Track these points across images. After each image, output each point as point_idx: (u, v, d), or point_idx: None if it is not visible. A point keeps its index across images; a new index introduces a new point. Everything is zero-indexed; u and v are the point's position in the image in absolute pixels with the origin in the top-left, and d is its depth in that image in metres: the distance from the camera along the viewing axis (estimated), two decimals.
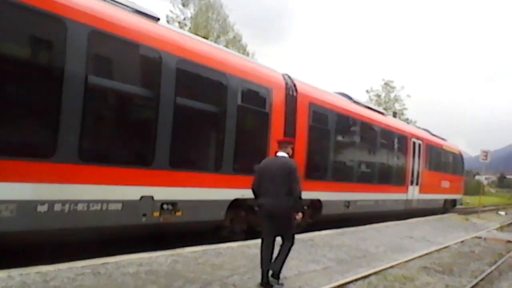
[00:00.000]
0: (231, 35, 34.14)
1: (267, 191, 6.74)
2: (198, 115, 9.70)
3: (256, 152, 11.14)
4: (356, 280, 7.79)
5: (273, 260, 6.68)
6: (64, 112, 6.86)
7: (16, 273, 5.75)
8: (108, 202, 7.47)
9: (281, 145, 7.16)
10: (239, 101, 10.24)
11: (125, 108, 8.51)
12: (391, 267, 9.17)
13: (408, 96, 48.72)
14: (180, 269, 7.15)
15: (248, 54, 32.89)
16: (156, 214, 8.34)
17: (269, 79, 11.45)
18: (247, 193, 10.22)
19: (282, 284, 6.71)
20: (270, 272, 6.64)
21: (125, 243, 7.97)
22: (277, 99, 11.49)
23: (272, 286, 6.56)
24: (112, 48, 8.00)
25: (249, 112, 10.86)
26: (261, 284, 6.59)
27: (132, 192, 7.93)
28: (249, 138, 11.15)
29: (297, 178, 6.81)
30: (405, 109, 47.69)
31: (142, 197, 8.07)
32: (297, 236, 10.59)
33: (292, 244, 6.86)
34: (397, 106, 46.66)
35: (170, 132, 8.56)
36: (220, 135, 9.94)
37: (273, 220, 6.71)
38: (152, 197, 8.24)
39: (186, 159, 9.39)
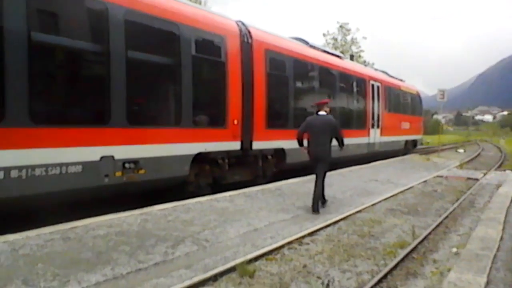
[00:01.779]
0: None
1: (313, 141, 9.66)
2: (152, 69, 9.63)
3: (215, 103, 11.27)
4: (326, 226, 8.18)
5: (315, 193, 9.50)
6: (8, 74, 6.71)
7: None
8: (67, 165, 7.47)
9: (320, 106, 10.00)
10: (193, 51, 10.18)
11: (74, 65, 8.33)
12: (359, 211, 9.64)
13: (364, 38, 49.41)
14: (151, 228, 7.34)
15: (200, 3, 32.23)
16: (119, 173, 8.41)
17: (222, 26, 11.37)
18: (210, 147, 10.42)
19: (327, 200, 10.06)
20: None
21: (93, 206, 8.05)
22: (232, 47, 11.48)
23: (319, 212, 9.29)
24: (54, 1, 7.77)
25: (204, 62, 10.84)
26: (313, 209, 9.31)
27: (91, 153, 7.94)
28: (206, 90, 11.20)
29: (339, 129, 9.93)
30: (362, 51, 48.32)
31: (102, 157, 8.10)
32: (263, 186, 11.07)
33: (324, 178, 9.75)
34: (354, 49, 47.14)
35: (125, 88, 8.51)
36: (176, 88, 9.94)
37: (318, 161, 9.59)
38: (112, 157, 8.28)
39: (144, 115, 9.38)
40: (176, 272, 5.62)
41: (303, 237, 7.39)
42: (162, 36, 9.79)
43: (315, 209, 9.32)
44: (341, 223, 8.58)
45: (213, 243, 6.87)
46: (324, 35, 48.33)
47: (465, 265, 6.08)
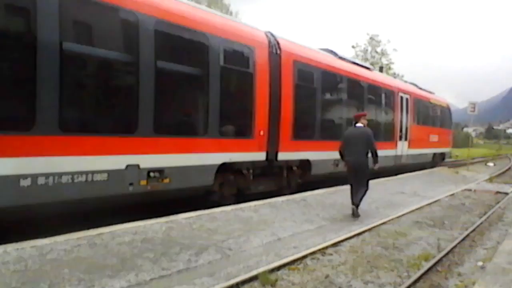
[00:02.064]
0: None
1: (351, 152, 10.14)
2: (180, 79, 9.70)
3: (241, 114, 11.28)
4: (350, 238, 8.13)
5: (355, 198, 10.18)
6: (40, 82, 6.82)
7: (12, 248, 5.90)
8: (93, 172, 7.54)
9: (358, 118, 10.65)
10: (221, 62, 10.20)
11: (104, 75, 8.42)
12: (384, 223, 9.56)
13: (395, 50, 49.36)
14: (176, 236, 7.40)
15: (231, 14, 32.58)
16: (143, 182, 8.44)
17: (251, 37, 11.40)
18: (235, 157, 10.44)
19: (359, 215, 10.10)
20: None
21: (118, 213, 8.16)
22: (261, 58, 11.48)
23: (359, 215, 9.99)
24: (86, 12, 7.83)
25: (232, 73, 10.87)
26: (352, 214, 10.02)
27: (117, 161, 8.00)
28: (234, 100, 11.22)
29: (373, 141, 10.22)
30: (392, 63, 48.13)
31: (127, 166, 8.15)
32: (288, 197, 11.09)
33: (367, 188, 10.33)
34: (384, 61, 46.99)
35: (153, 98, 8.57)
36: (204, 98, 9.95)
37: (355, 171, 10.09)
38: (138, 166, 8.33)
39: (171, 125, 9.40)
40: (198, 279, 5.65)
41: (326, 247, 7.36)
42: (191, 47, 9.85)
43: (354, 214, 10.10)
44: (366, 234, 8.53)
45: (237, 252, 6.90)
46: (353, 47, 48.35)
47: (491, 279, 5.98)
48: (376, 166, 10.44)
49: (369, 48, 48.06)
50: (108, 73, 8.53)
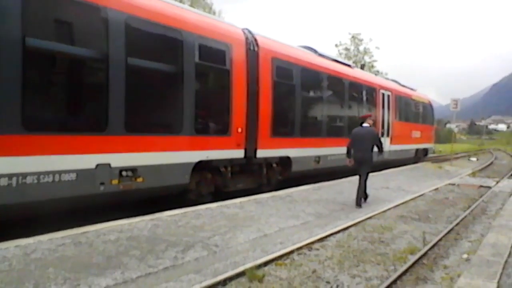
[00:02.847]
0: None
1: (357, 148, 11.46)
2: (153, 76, 9.63)
3: (218, 111, 11.33)
4: (336, 232, 8.27)
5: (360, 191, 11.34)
6: (0, 79, 6.73)
7: None
8: (60, 172, 7.44)
9: (364, 119, 12.03)
10: (196, 59, 10.18)
11: (71, 72, 8.34)
12: (369, 218, 9.72)
13: (377, 48, 49.90)
14: (161, 233, 7.47)
15: (214, 13, 32.60)
16: (115, 182, 8.39)
17: (228, 34, 11.45)
18: (212, 155, 10.50)
19: (368, 195, 11.77)
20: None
21: (103, 211, 8.20)
22: (238, 55, 11.54)
23: (361, 205, 11.08)
24: (52, 8, 7.75)
25: (208, 70, 10.98)
26: (356, 204, 11.10)
27: (86, 161, 7.91)
28: (210, 97, 11.32)
29: (379, 138, 11.84)
30: (375, 61, 48.68)
31: (97, 165, 8.07)
32: (274, 193, 11.27)
33: (367, 178, 11.55)
34: (367, 59, 47.50)
35: (124, 95, 8.49)
36: (178, 95, 9.91)
37: (360, 165, 11.46)
38: (109, 165, 8.27)
39: (143, 123, 9.30)
40: (185, 276, 5.72)
41: (313, 242, 7.48)
42: (164, 43, 9.83)
43: (358, 203, 11.10)
44: (352, 229, 8.66)
45: (223, 248, 6.99)
46: (336, 45, 48.89)
47: (476, 271, 6.15)
48: (380, 156, 11.78)
49: (352, 47, 48.63)
50: (76, 70, 8.45)
